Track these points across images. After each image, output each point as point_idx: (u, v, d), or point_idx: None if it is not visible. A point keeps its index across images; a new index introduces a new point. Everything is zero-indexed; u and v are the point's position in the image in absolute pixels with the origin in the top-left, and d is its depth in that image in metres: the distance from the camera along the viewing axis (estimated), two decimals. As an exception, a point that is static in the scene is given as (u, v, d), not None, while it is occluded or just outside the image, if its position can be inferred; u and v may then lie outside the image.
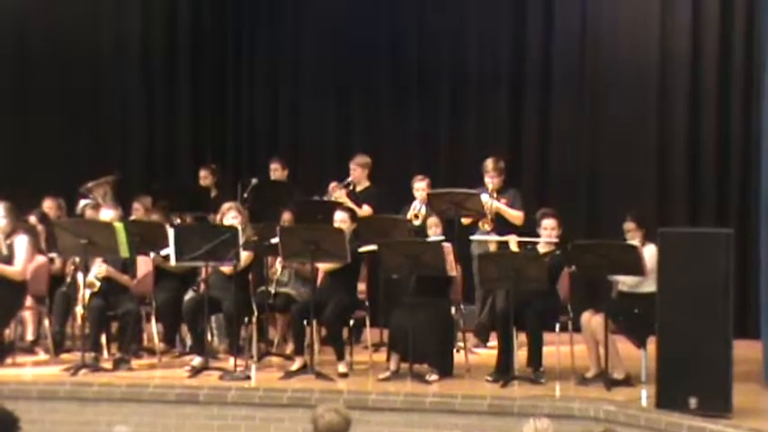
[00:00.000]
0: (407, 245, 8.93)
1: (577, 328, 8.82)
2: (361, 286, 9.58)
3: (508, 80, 12.00)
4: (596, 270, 8.46)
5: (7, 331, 9.45)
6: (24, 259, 9.28)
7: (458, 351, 9.31)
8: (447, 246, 8.84)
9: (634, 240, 8.55)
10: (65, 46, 13.13)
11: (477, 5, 12.05)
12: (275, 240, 8.96)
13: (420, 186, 10.42)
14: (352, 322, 9.24)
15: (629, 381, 8.43)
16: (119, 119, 13.26)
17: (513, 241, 9.29)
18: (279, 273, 9.53)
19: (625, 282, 8.62)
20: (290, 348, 9.59)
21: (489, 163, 10.12)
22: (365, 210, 10.48)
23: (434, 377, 8.60)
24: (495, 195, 10.00)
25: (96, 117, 13.21)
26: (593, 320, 8.55)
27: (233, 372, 8.72)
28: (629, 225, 8.70)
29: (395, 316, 8.86)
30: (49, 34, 13.18)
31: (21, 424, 5.27)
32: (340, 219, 9.21)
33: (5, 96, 13.16)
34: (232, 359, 8.89)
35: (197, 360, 9.01)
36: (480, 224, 10.03)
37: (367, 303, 9.42)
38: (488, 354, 9.56)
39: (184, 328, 9.70)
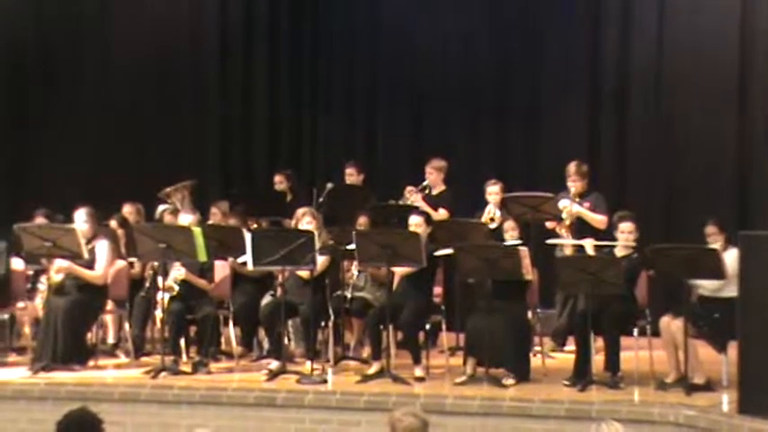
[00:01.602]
0: (484, 249, 8.89)
1: (656, 333, 8.73)
2: (437, 290, 9.57)
3: (585, 84, 11.94)
4: (676, 274, 8.37)
5: (89, 334, 9.60)
6: (105, 264, 9.41)
7: (534, 355, 9.26)
8: (523, 250, 8.80)
9: (715, 244, 8.43)
10: (144, 52, 13.35)
11: (554, 9, 11.99)
12: (352, 246, 8.98)
13: (493, 191, 10.37)
14: (428, 326, 9.22)
15: (709, 386, 8.31)
16: (196, 124, 13.42)
17: (589, 245, 9.22)
18: (355, 277, 9.56)
19: (706, 286, 8.50)
20: (366, 352, 9.61)
21: (572, 167, 10.04)
22: (441, 213, 10.47)
23: (511, 381, 8.56)
24: (577, 199, 9.92)
25: (173, 122, 13.40)
26: (672, 325, 8.45)
27: (310, 375, 8.76)
28: (710, 229, 8.59)
29: (471, 320, 8.84)
30: (128, 39, 13.41)
31: (104, 426, 5.32)
32: (415, 222, 9.21)
33: (84, 101, 13.41)
34: (309, 363, 8.93)
35: (274, 364, 9.06)
36: (557, 228, 9.97)
37: (443, 307, 9.41)
38: (565, 358, 9.50)
39: (262, 332, 9.76)
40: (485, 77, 12.33)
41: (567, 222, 9.87)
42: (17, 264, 9.83)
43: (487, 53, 12.34)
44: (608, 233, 9.23)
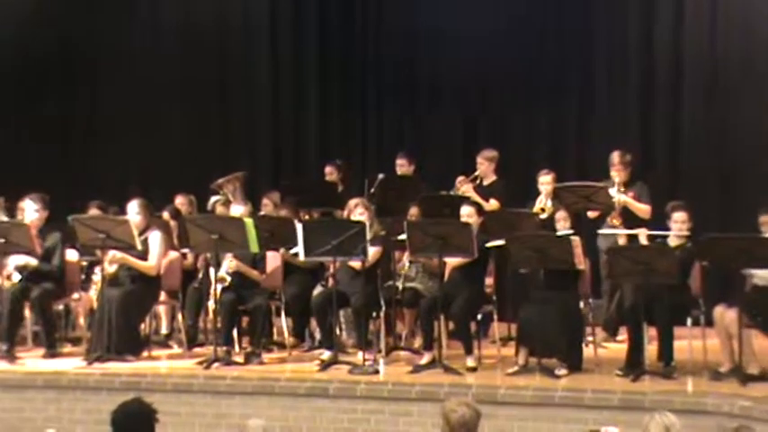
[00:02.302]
0: (536, 239, 8.85)
1: (710, 323, 8.65)
2: (489, 280, 9.53)
3: (637, 74, 11.84)
4: (730, 263, 8.28)
5: (143, 325, 9.69)
6: (158, 255, 9.49)
7: (586, 345, 9.21)
8: (575, 239, 8.76)
9: (770, 233, 8.35)
10: (194, 42, 13.46)
11: (606, 1, 11.93)
12: (403, 237, 8.97)
13: (545, 180, 10.32)
14: (479, 316, 9.21)
15: (764, 376, 8.22)
16: (247, 115, 13.50)
17: (642, 235, 9.15)
18: (406, 268, 9.55)
19: (760, 275, 8.41)
20: (417, 343, 9.61)
21: (615, 156, 10.00)
22: (492, 204, 10.43)
23: (563, 371, 8.52)
24: (621, 189, 9.87)
25: (225, 114, 13.50)
26: (726, 315, 8.37)
27: (362, 366, 8.77)
28: (764, 218, 8.50)
29: (523, 310, 8.81)
30: (180, 29, 13.51)
31: (158, 416, 5.37)
32: (466, 213, 9.19)
33: (137, 93, 13.52)
34: (361, 353, 8.95)
35: (326, 354, 9.09)
36: (609, 218, 9.92)
37: (494, 298, 9.38)
38: (617, 348, 9.45)
39: (313, 323, 9.79)
40: (537, 67, 12.27)
41: (618, 212, 9.81)
42: (72, 255, 9.92)
43: (540, 43, 12.29)
44: (660, 223, 9.15)
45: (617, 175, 9.94)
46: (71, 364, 9.14)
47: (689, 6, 11.60)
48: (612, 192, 9.75)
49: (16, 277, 9.43)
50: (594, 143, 11.83)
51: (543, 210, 10.11)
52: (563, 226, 9.27)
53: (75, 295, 10.05)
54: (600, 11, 12.01)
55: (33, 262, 9.48)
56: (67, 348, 9.90)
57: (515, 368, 8.66)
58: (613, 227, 9.85)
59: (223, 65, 13.52)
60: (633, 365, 8.46)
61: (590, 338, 9.35)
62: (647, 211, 9.78)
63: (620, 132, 11.61)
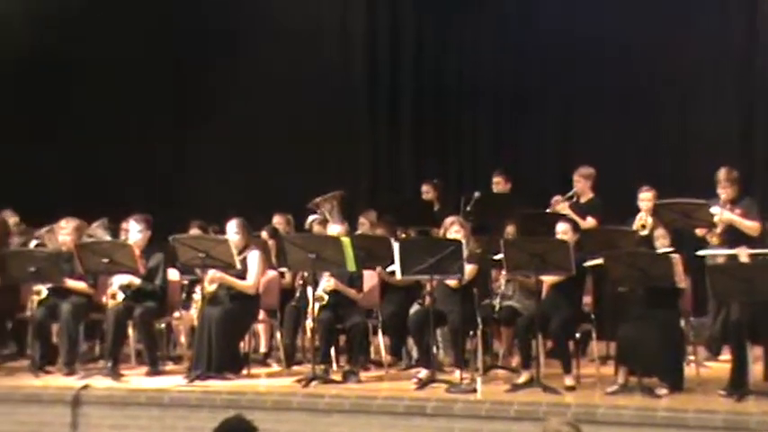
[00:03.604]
0: (635, 256, 8.74)
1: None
2: (587, 299, 9.46)
3: (736, 89, 11.66)
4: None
5: (242, 343, 9.79)
6: (256, 273, 9.59)
7: (688, 364, 9.06)
8: (676, 257, 8.63)
9: None
10: (291, 62, 13.60)
11: (703, 13, 11.76)
12: (500, 256, 8.95)
13: (646, 197, 10.21)
14: (578, 335, 9.13)
15: None
16: (344, 135, 13.61)
17: (743, 254, 8.97)
18: (503, 286, 9.52)
19: None
20: (515, 361, 9.57)
21: (722, 173, 9.78)
22: (589, 221, 10.36)
23: (664, 391, 8.39)
24: (728, 206, 9.68)
25: (322, 133, 13.62)
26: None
27: (459, 384, 8.75)
28: None
29: (623, 328, 8.70)
30: (280, 53, 13.68)
31: (258, 433, 5.42)
32: (562, 230, 9.13)
33: (237, 114, 13.73)
34: (458, 372, 8.93)
35: (423, 372, 9.09)
36: (708, 236, 9.74)
37: (593, 316, 9.29)
38: (720, 367, 9.28)
39: (410, 341, 9.80)
40: (634, 84, 12.17)
41: (719, 230, 9.62)
42: (173, 274, 10.09)
43: (637, 60, 12.18)
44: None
45: (723, 192, 9.73)
46: (173, 381, 9.27)
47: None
48: (715, 209, 9.56)
49: (120, 296, 9.60)
50: (694, 159, 11.67)
51: (644, 227, 9.99)
52: (662, 243, 9.15)
53: (177, 314, 10.20)
54: (698, 23, 11.85)
55: (137, 281, 9.65)
56: (169, 366, 10.06)
57: (615, 387, 8.55)
58: (714, 245, 9.67)
59: (320, 85, 13.64)
60: (737, 385, 8.28)
61: (691, 357, 9.20)
62: (757, 229, 9.51)
63: (720, 146, 11.44)
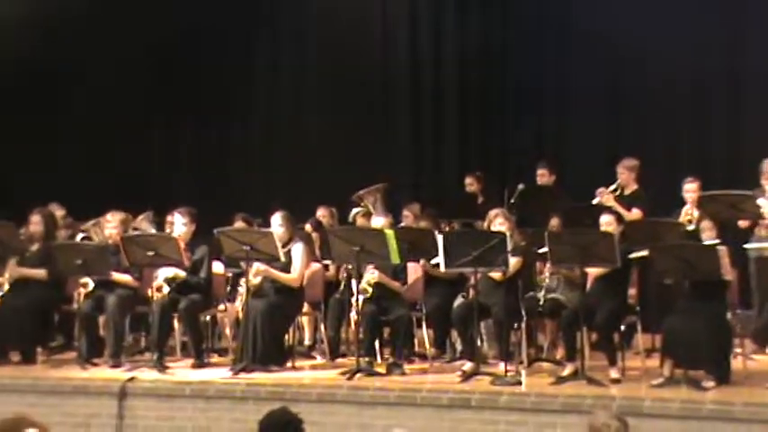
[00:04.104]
0: (681, 249, 8.67)
1: None
2: (631, 291, 9.40)
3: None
4: None
5: (287, 336, 9.82)
6: (301, 266, 9.61)
7: (735, 357, 8.99)
8: (722, 249, 8.55)
9: None
10: (337, 55, 13.65)
11: (757, 10, 11.66)
12: (544, 249, 8.92)
13: (691, 188, 10.13)
14: (623, 327, 9.08)
15: None
16: (387, 127, 13.61)
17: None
18: (547, 278, 9.48)
19: None
20: (559, 354, 9.53)
21: (765, 164, 9.71)
22: (634, 213, 10.29)
23: (711, 384, 8.32)
24: (773, 198, 9.59)
25: (366, 125, 13.62)
26: None
27: (504, 377, 8.74)
28: None
29: (669, 321, 8.64)
30: (324, 42, 13.72)
31: (304, 426, 5.43)
32: (606, 222, 9.07)
33: (282, 105, 13.79)
34: (502, 364, 8.92)
35: (468, 365, 9.08)
36: (756, 228, 9.65)
37: (638, 308, 9.23)
38: (766, 360, 9.20)
39: (454, 334, 9.80)
40: (681, 75, 12.08)
41: (766, 222, 9.53)
42: (218, 267, 10.14)
43: (685, 51, 12.07)
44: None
45: (767, 183, 9.66)
46: (218, 374, 9.31)
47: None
48: (762, 201, 9.47)
49: (165, 289, 9.66)
50: (742, 150, 11.56)
51: (690, 220, 9.91)
52: (708, 236, 9.06)
53: (222, 306, 10.25)
54: (747, 19, 11.73)
55: (182, 274, 9.70)
56: (214, 358, 10.10)
57: (660, 380, 8.50)
58: (760, 237, 9.57)
59: (364, 77, 13.66)
60: (785, 378, 8.23)
61: (738, 350, 9.12)
62: (802, 221, 9.46)
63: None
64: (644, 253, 8.90)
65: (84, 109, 14.31)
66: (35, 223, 10.28)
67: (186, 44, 14.16)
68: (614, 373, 8.73)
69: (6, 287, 10.07)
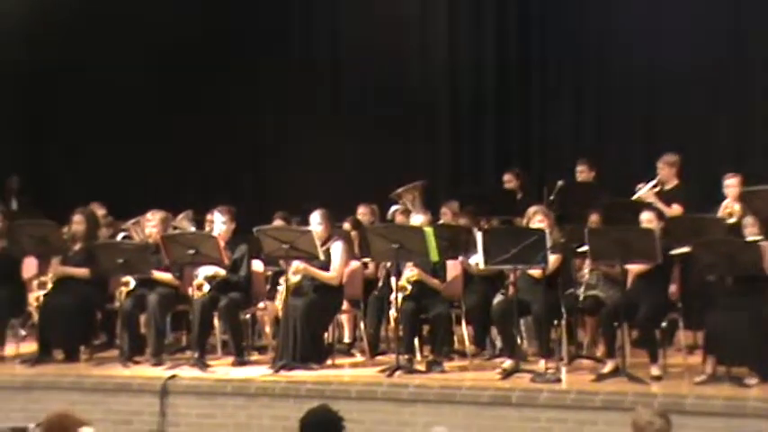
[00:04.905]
0: (723, 244, 8.61)
1: None
2: (673, 287, 9.34)
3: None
4: None
5: (326, 334, 9.84)
6: (340, 264, 9.62)
7: (778, 354, 8.91)
8: (765, 245, 8.48)
9: None
10: (374, 51, 13.66)
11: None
12: (584, 248, 8.87)
13: (731, 183, 10.06)
14: (664, 324, 9.02)
15: None
16: (426, 125, 13.61)
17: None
18: (587, 275, 9.43)
19: None
20: (600, 351, 9.48)
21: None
22: (675, 209, 10.22)
23: (754, 381, 8.26)
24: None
25: (405, 123, 13.62)
26: None
27: (544, 374, 8.71)
28: None
29: (711, 317, 8.58)
30: (360, 38, 13.73)
31: (344, 423, 5.45)
32: (646, 218, 9.02)
33: (320, 103, 13.82)
34: (542, 361, 8.89)
35: (508, 362, 9.06)
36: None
37: (680, 305, 9.17)
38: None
39: (494, 331, 9.77)
40: (718, 70, 11.99)
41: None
42: (257, 266, 10.17)
43: (722, 46, 11.98)
44: None
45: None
46: (258, 371, 9.35)
47: None
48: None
49: (206, 288, 9.70)
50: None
51: (731, 214, 9.83)
52: (751, 231, 8.98)
53: (261, 305, 10.28)
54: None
55: (222, 273, 9.74)
56: (255, 356, 10.13)
57: (703, 377, 8.44)
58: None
59: (402, 74, 13.66)
60: (829, 375, 8.14)
61: (781, 347, 9.03)
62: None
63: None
64: (686, 249, 8.84)
65: (126, 107, 14.39)
66: (77, 223, 10.35)
67: (218, 42, 14.21)
68: (655, 370, 8.68)
69: (50, 286, 10.16)
